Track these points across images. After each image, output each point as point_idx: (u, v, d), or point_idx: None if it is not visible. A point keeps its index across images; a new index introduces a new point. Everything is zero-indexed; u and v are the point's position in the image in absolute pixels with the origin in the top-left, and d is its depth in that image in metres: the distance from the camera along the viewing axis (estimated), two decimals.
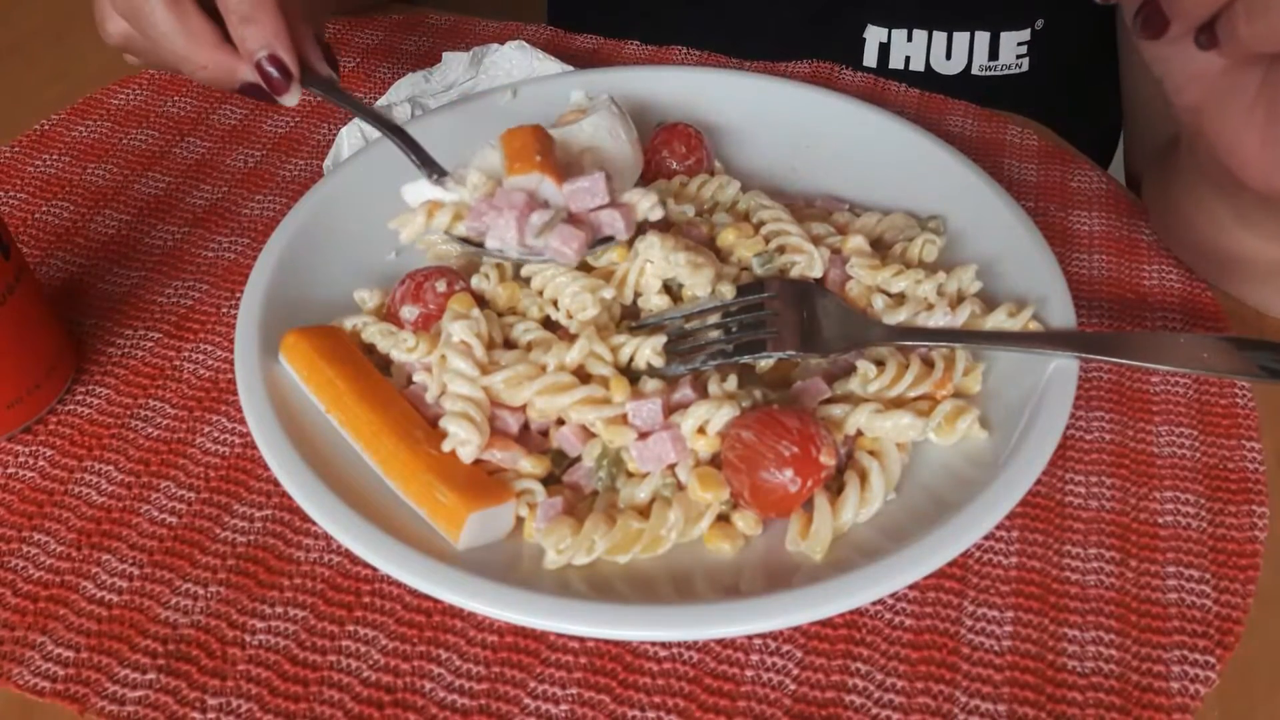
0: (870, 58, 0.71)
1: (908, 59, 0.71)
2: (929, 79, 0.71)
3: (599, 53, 0.68)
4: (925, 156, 0.54)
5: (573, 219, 0.46)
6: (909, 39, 0.70)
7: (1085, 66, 0.74)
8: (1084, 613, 0.39)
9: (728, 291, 0.46)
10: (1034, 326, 0.45)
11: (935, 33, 0.70)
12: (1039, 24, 0.70)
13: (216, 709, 0.36)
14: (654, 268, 0.46)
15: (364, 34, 0.70)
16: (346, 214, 0.52)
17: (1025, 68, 0.71)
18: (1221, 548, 0.41)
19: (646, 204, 0.47)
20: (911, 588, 0.39)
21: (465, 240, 0.46)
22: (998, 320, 0.45)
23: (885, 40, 0.70)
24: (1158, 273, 0.53)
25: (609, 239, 0.46)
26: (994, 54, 0.70)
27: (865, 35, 0.71)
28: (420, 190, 0.47)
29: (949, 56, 0.70)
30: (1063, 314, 0.45)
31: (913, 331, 0.45)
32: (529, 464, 0.41)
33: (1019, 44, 0.70)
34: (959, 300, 0.47)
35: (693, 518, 0.39)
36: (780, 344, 0.44)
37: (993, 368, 0.45)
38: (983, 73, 0.70)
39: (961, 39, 0.70)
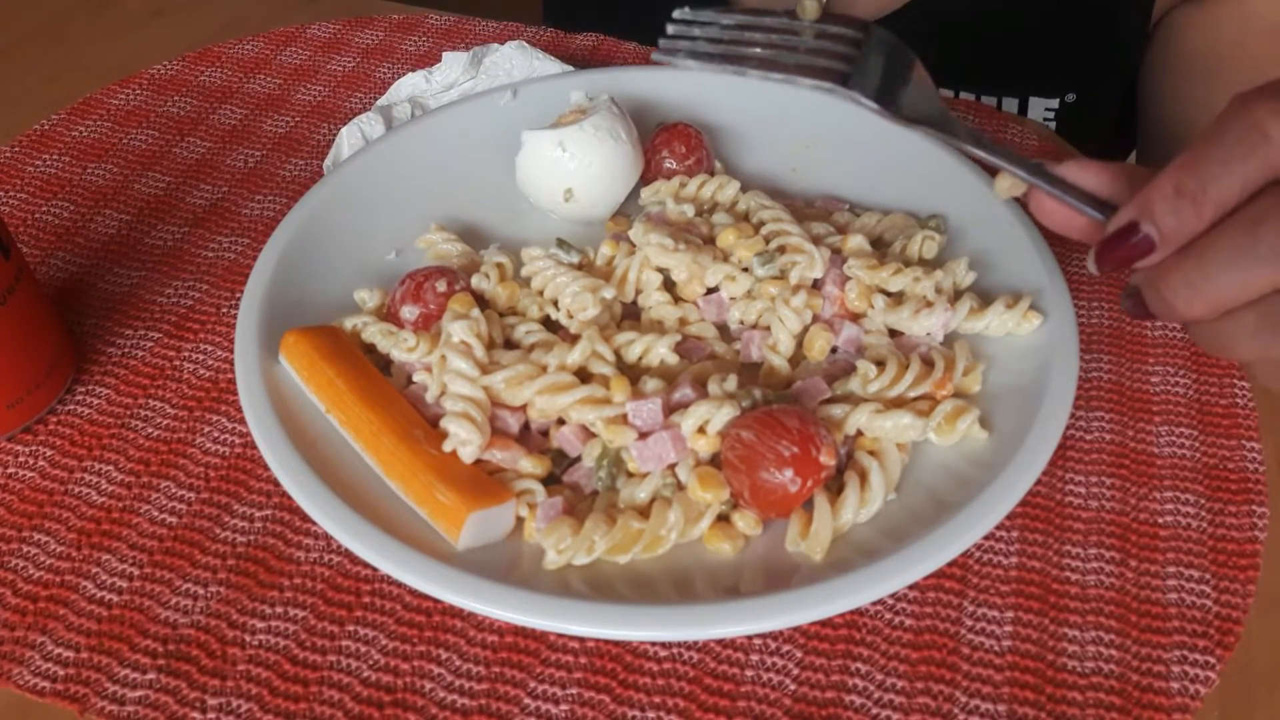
0: None
1: None
2: None
3: (599, 53, 0.68)
4: (925, 156, 0.54)
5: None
6: None
7: (1111, 140, 0.74)
8: (1084, 613, 0.39)
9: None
10: (1033, 316, 0.45)
11: (962, 93, 0.69)
12: (1070, 97, 0.69)
13: (216, 709, 0.36)
14: (651, 252, 0.46)
15: (364, 34, 0.70)
16: (346, 214, 0.52)
17: None
18: (1221, 548, 0.41)
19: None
20: (911, 588, 0.39)
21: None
22: (996, 312, 0.45)
23: None
24: None
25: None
26: (1023, 114, 0.69)
27: None
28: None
29: None
30: (1060, 307, 0.45)
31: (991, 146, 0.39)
32: (529, 464, 0.41)
33: (1046, 109, 0.69)
34: (956, 296, 0.47)
35: (693, 518, 0.39)
36: (862, 83, 0.37)
37: (993, 367, 0.45)
38: None
39: (989, 101, 0.69)
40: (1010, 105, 0.69)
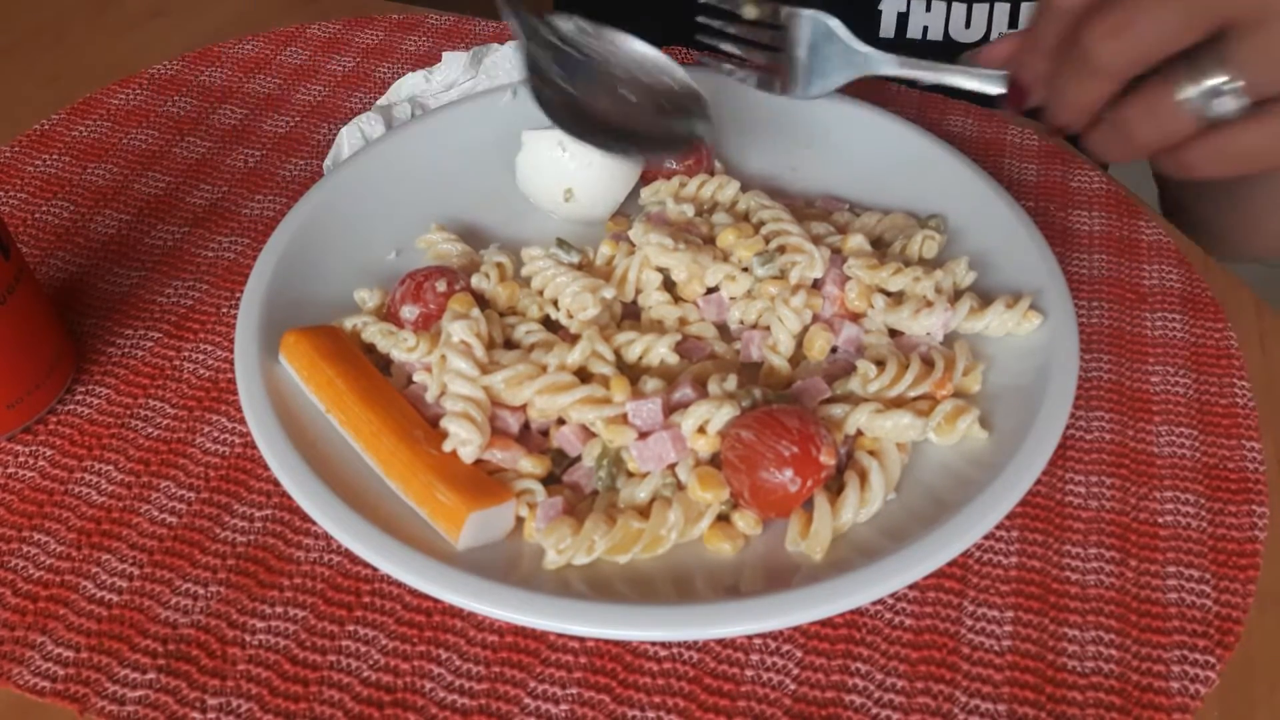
0: (887, 28, 0.71)
1: (925, 28, 0.70)
2: (948, 46, 0.70)
3: None
4: (925, 156, 0.54)
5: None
6: (928, 9, 0.69)
7: None
8: (1084, 613, 0.39)
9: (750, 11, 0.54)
10: (1033, 316, 0.45)
11: (955, 3, 0.69)
12: None
13: (216, 709, 0.36)
14: (651, 252, 0.47)
15: (364, 34, 0.70)
16: (346, 214, 0.52)
17: None
18: (1221, 548, 0.41)
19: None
20: (911, 588, 0.39)
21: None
22: (996, 312, 0.45)
23: (904, 10, 0.70)
24: (1158, 272, 0.53)
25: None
26: (1014, 22, 0.69)
27: (881, 7, 0.70)
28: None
29: (968, 25, 0.70)
30: (1061, 307, 0.45)
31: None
32: (529, 464, 0.41)
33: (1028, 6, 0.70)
34: (956, 296, 0.47)
35: (693, 518, 0.39)
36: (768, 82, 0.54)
37: (993, 367, 0.45)
38: None
39: (981, 9, 0.69)
40: (1002, 10, 0.69)
